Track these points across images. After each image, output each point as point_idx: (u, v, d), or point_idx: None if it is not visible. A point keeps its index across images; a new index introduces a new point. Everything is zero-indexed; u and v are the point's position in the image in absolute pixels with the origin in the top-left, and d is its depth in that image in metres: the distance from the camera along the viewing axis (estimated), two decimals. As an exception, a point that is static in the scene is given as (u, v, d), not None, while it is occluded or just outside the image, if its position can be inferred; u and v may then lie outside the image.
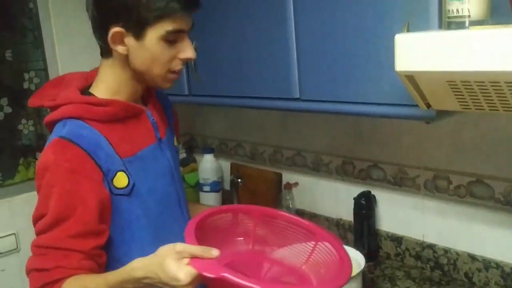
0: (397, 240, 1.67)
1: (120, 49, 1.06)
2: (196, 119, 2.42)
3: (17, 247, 1.99)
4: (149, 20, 1.02)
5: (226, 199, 2.24)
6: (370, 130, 1.70)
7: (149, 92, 1.22)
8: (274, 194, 2.03)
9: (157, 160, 1.17)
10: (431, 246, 1.59)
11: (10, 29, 1.98)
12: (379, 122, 1.65)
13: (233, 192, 2.07)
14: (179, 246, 0.92)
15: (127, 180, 1.09)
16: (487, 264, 1.45)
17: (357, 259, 1.40)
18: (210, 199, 2.24)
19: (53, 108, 1.11)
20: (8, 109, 1.99)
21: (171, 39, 1.06)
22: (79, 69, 1.99)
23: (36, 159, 2.08)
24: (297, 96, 1.40)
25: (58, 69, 2.04)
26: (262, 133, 2.10)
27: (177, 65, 1.10)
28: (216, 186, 2.25)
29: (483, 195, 1.45)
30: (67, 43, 2.06)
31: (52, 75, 2.03)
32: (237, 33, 1.52)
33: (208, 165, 2.24)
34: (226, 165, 2.27)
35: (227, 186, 2.27)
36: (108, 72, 1.12)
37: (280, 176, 2.04)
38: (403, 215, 1.66)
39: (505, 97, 0.92)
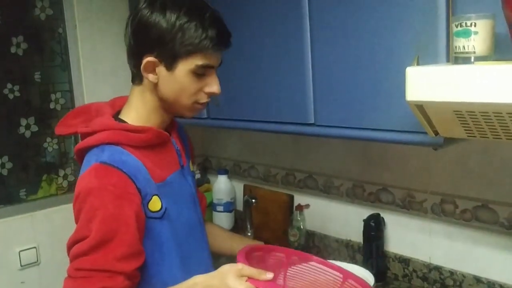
0: (405, 261, 1.74)
1: (151, 77, 1.12)
2: (211, 141, 2.51)
3: (38, 260, 2.07)
4: (182, 54, 1.09)
5: (238, 218, 2.31)
6: (380, 155, 1.78)
7: (171, 120, 1.27)
8: (285, 215, 2.10)
9: (181, 186, 1.24)
10: (437, 268, 1.65)
11: (40, 52, 2.09)
12: (388, 147, 1.73)
13: (246, 212, 2.14)
14: (240, 265, 1.04)
15: (160, 204, 1.14)
16: (492, 286, 1.51)
17: (367, 277, 1.46)
18: (223, 218, 2.31)
19: (87, 134, 1.16)
20: (35, 128, 2.09)
21: (199, 73, 1.12)
22: (103, 91, 2.11)
23: (59, 175, 2.17)
24: (312, 121, 1.49)
25: (83, 91, 2.15)
26: (275, 156, 2.18)
27: (202, 98, 1.16)
28: (229, 207, 2.32)
29: (488, 220, 1.52)
30: (92, 67, 2.18)
31: (77, 96, 2.14)
32: (255, 60, 1.62)
33: (222, 186, 2.32)
34: (239, 186, 2.35)
35: (239, 206, 2.34)
36: (138, 99, 1.18)
37: (292, 197, 2.11)
38: (411, 238, 1.72)
39: (507, 126, 1.00)
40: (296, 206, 2.06)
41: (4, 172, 2.03)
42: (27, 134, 2.08)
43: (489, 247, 1.52)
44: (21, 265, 2.02)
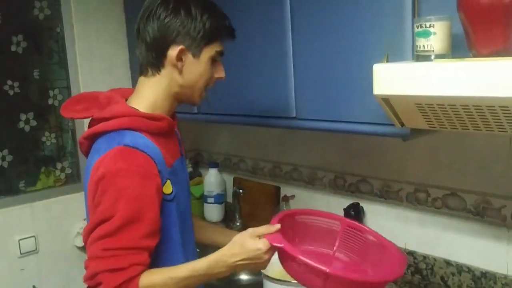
0: (383, 247, 1.85)
1: (179, 64, 1.21)
2: (203, 136, 2.62)
3: (36, 248, 2.17)
4: (207, 41, 1.22)
5: (228, 210, 2.42)
6: (359, 148, 1.90)
7: (174, 118, 1.34)
8: (272, 206, 2.21)
9: (182, 173, 1.34)
10: (412, 253, 1.76)
11: (39, 51, 2.20)
12: (367, 141, 1.84)
13: (235, 203, 2.25)
14: (250, 229, 1.20)
15: (171, 188, 1.22)
16: (460, 269, 1.63)
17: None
18: (213, 210, 2.42)
19: (101, 120, 1.21)
20: (34, 123, 2.19)
21: (215, 59, 1.26)
22: (99, 88, 2.21)
23: (57, 168, 2.28)
24: (294, 115, 1.60)
25: (79, 87, 2.25)
26: (263, 150, 2.30)
27: (211, 83, 1.29)
28: (220, 198, 2.43)
29: (457, 207, 1.63)
30: (89, 65, 2.28)
31: (74, 92, 2.25)
32: (242, 59, 1.73)
33: (213, 179, 2.43)
34: (229, 179, 2.46)
35: (229, 198, 2.45)
36: (152, 89, 1.24)
37: (278, 189, 2.23)
38: (388, 225, 1.84)
39: (462, 118, 1.11)
40: (282, 197, 2.17)
41: (5, 164, 2.13)
42: (27, 128, 2.18)
43: (458, 233, 1.64)
44: (20, 253, 2.13)
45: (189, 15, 1.20)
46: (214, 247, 1.28)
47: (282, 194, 2.19)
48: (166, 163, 1.21)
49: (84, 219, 2.28)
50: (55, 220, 2.22)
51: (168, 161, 1.22)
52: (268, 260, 1.19)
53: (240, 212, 2.27)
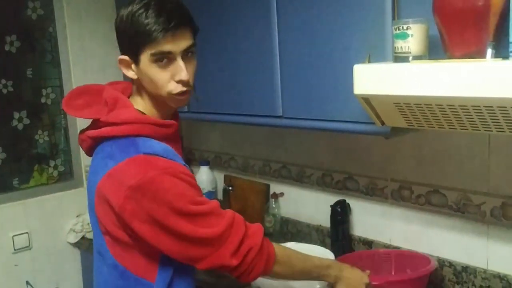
0: (368, 243, 1.90)
1: (130, 74, 1.17)
2: (194, 135, 2.66)
3: (29, 244, 2.21)
4: (138, 46, 1.11)
5: (219, 207, 2.46)
6: (346, 147, 1.94)
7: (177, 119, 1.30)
8: (262, 203, 2.26)
9: None
10: (396, 248, 1.81)
11: (32, 50, 2.23)
12: (354, 139, 1.89)
13: (225, 200, 2.29)
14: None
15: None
16: (442, 263, 1.68)
17: (327, 255, 1.62)
18: (204, 207, 2.45)
19: (108, 124, 1.17)
20: (27, 121, 2.23)
21: (161, 62, 1.12)
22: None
23: (50, 166, 2.31)
24: (280, 114, 1.65)
25: (72, 86, 2.29)
26: (253, 148, 2.34)
27: (176, 88, 1.15)
28: (211, 196, 2.47)
29: (439, 203, 1.68)
30: (81, 64, 2.32)
31: (67, 91, 2.28)
32: (231, 60, 1.77)
33: (204, 177, 2.47)
34: (220, 176, 2.50)
35: (220, 196, 2.49)
36: (138, 95, 1.22)
37: (268, 186, 2.27)
38: (374, 221, 1.88)
39: (437, 116, 1.16)
40: (271, 194, 2.21)
41: (-2, 162, 2.17)
42: (20, 126, 2.22)
43: (440, 228, 1.69)
44: (14, 249, 2.17)
45: (118, 28, 1.16)
46: None
47: (271, 192, 2.23)
48: (180, 160, 1.21)
49: (77, 216, 2.34)
50: (48, 217, 2.26)
51: (179, 159, 1.22)
52: None
53: (230, 209, 2.30)
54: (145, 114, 1.20)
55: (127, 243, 1.17)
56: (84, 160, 2.31)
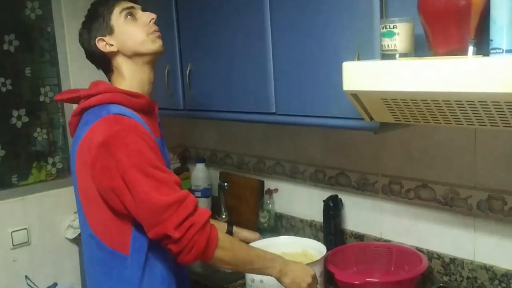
0: (360, 237, 1.94)
1: (111, 48, 1.36)
2: (190, 133, 2.70)
3: (28, 240, 2.25)
4: (106, 16, 1.36)
5: (215, 203, 2.51)
6: (338, 143, 1.99)
7: (154, 102, 1.45)
8: (257, 199, 2.30)
9: (164, 151, 1.43)
10: (387, 242, 1.85)
11: (30, 49, 2.27)
12: (345, 135, 1.94)
13: (220, 196, 2.34)
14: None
15: (159, 153, 1.31)
16: (431, 256, 1.73)
17: (320, 249, 1.67)
18: (200, 203, 2.47)
19: (89, 96, 1.34)
20: (26, 119, 2.27)
21: (130, 17, 1.37)
22: (88, 84, 2.28)
23: (48, 163, 2.35)
24: (274, 111, 1.69)
25: (70, 85, 2.33)
26: (248, 146, 2.39)
27: (150, 28, 1.38)
28: (206, 192, 2.51)
29: (427, 197, 1.73)
30: (79, 63, 2.34)
31: (64, 90, 2.31)
32: (225, 58, 1.82)
33: (200, 174, 2.52)
34: (215, 173, 2.55)
35: (216, 192, 2.54)
36: (118, 78, 1.39)
37: (262, 183, 2.31)
38: (365, 216, 1.93)
39: (423, 111, 1.21)
40: (266, 191, 2.26)
41: (-3, 159, 2.21)
42: (19, 124, 2.26)
43: (429, 222, 1.74)
44: (13, 245, 2.21)
45: (85, 20, 1.43)
46: None
47: (266, 188, 2.28)
48: (152, 133, 1.31)
49: (75, 213, 2.38)
50: (47, 213, 2.30)
51: (152, 133, 1.32)
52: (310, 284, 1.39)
53: (226, 205, 2.35)
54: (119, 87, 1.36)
55: (100, 207, 1.27)
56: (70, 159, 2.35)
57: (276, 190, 2.24)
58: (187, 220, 1.20)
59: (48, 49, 2.32)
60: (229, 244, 1.29)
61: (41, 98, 2.32)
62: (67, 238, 2.36)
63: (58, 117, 2.37)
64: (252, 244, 1.69)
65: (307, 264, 1.49)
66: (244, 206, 2.36)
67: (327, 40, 1.49)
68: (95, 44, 1.38)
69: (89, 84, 1.43)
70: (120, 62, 1.39)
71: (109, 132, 1.23)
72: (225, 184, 2.27)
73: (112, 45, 1.37)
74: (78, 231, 2.34)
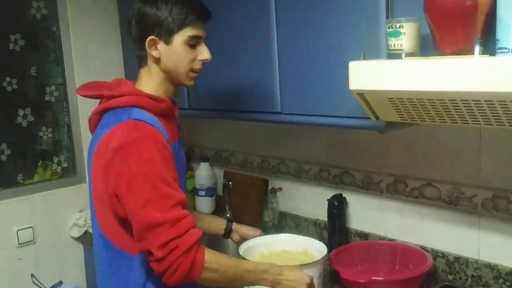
0: (364, 236, 1.95)
1: (154, 53, 1.34)
2: (195, 132, 2.71)
3: (34, 239, 2.26)
4: (175, 28, 1.32)
5: (219, 202, 2.52)
6: (342, 142, 2.00)
7: (174, 104, 1.46)
8: (261, 198, 2.31)
9: (180, 155, 1.44)
10: (391, 240, 1.86)
11: (36, 49, 2.28)
12: (350, 135, 1.94)
13: (225, 195, 2.35)
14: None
15: (174, 164, 1.31)
16: (435, 254, 1.73)
17: (321, 249, 1.66)
18: (205, 202, 2.51)
19: (111, 97, 1.33)
20: (31, 118, 2.28)
21: (192, 43, 1.35)
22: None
23: (53, 162, 2.36)
24: (279, 110, 1.70)
25: (75, 84, 2.34)
26: (252, 145, 2.39)
27: (197, 65, 1.38)
28: (211, 192, 2.52)
29: (432, 196, 1.74)
30: (84, 63, 2.37)
31: (70, 89, 2.34)
32: (231, 57, 1.83)
33: (204, 173, 2.52)
34: (219, 172, 2.55)
35: (220, 191, 2.54)
36: (147, 77, 1.38)
37: (266, 182, 2.32)
38: (369, 214, 1.94)
39: (429, 110, 1.21)
40: (270, 190, 2.27)
41: (3, 158, 2.22)
42: (24, 123, 2.27)
43: (433, 220, 1.74)
44: (18, 243, 2.22)
45: (156, 7, 1.32)
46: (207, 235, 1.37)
47: (270, 187, 2.29)
48: (169, 140, 1.32)
49: (80, 211, 2.39)
50: (52, 211, 2.31)
51: (169, 138, 1.33)
52: None
53: (230, 204, 2.36)
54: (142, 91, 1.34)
55: (110, 207, 1.27)
56: (87, 157, 2.36)
57: (280, 189, 2.25)
58: (172, 242, 1.18)
59: (53, 48, 2.33)
60: (215, 265, 1.24)
61: (47, 98, 2.33)
62: (72, 237, 2.37)
63: (63, 117, 2.38)
64: (253, 240, 1.70)
65: (307, 264, 1.51)
66: (248, 205, 2.36)
67: (333, 39, 1.50)
68: (146, 38, 1.33)
69: (112, 80, 1.42)
70: (155, 67, 1.37)
71: (126, 138, 1.23)
72: (230, 183, 2.28)
73: (158, 50, 1.34)
74: (84, 229, 2.36)
